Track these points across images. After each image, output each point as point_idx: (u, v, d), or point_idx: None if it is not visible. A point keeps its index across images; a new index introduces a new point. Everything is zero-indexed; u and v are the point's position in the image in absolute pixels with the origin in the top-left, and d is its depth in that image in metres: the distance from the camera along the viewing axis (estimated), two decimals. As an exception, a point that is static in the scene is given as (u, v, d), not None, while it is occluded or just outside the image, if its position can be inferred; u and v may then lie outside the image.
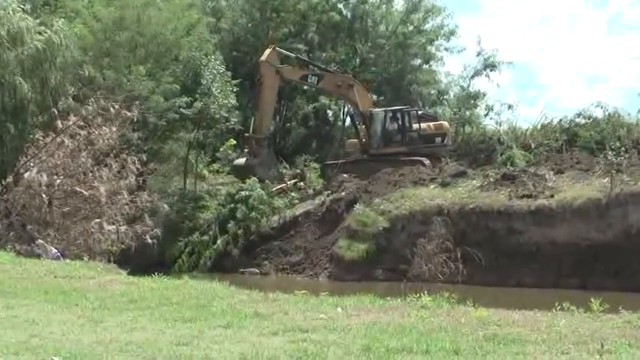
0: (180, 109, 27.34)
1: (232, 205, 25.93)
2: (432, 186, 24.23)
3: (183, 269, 23.97)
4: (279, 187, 28.26)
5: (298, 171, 32.66)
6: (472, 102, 40.84)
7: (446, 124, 32.88)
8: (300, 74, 31.02)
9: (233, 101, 29.84)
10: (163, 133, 28.56)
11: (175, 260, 24.58)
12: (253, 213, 25.43)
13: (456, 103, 42.69)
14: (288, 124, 42.78)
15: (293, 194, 27.60)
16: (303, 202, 27.13)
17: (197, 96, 28.47)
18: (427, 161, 28.50)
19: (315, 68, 32.46)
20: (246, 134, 29.22)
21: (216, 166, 34.51)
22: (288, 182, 30.55)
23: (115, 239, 20.18)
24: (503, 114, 36.64)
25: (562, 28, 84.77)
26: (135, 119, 22.44)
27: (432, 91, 45.60)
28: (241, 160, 28.96)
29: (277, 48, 30.26)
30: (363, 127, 31.51)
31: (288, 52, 31.63)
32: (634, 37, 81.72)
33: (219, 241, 25.00)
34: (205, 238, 25.27)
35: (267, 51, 29.33)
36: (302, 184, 30.73)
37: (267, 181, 27.40)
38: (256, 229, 25.30)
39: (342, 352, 6.53)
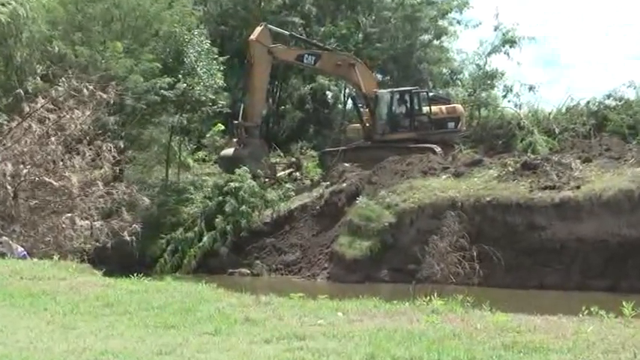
0: (162, 91, 27.26)
1: (220, 198, 25.95)
2: (443, 176, 24.24)
3: (165, 269, 24.00)
4: (273, 177, 28.34)
5: (294, 159, 32.72)
6: (489, 82, 40.86)
7: (459, 107, 32.93)
8: (295, 54, 30.91)
9: (220, 81, 29.80)
10: (143, 117, 28.50)
11: (157, 259, 24.59)
12: (244, 207, 25.44)
13: (470, 83, 42.73)
14: (282, 107, 42.75)
15: (288, 186, 27.61)
16: (299, 194, 27.16)
17: (180, 76, 28.37)
18: (438, 148, 28.56)
19: (313, 47, 32.39)
20: (235, 121, 29.11)
21: (201, 154, 34.53)
22: (283, 172, 30.59)
23: (89, 236, 20.15)
24: (523, 95, 36.91)
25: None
26: (111, 102, 22.36)
27: (444, 71, 45.58)
28: (229, 151, 28.92)
29: (269, 25, 30.15)
30: (367, 110, 31.52)
31: (281, 30, 31.54)
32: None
33: (205, 239, 25.01)
34: (190, 234, 25.27)
35: (258, 29, 29.17)
36: (298, 174, 30.80)
37: (259, 171, 27.41)
38: (247, 224, 25.32)
39: (343, 362, 6.53)
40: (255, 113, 29.05)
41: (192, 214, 26.34)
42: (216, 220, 25.34)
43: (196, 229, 25.43)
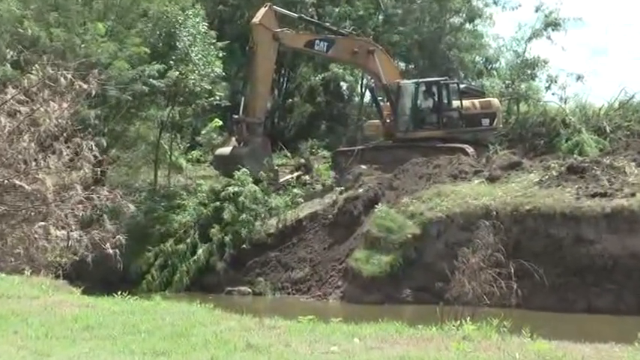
0: (150, 80, 27.32)
1: (217, 205, 25.97)
2: (476, 181, 24.21)
3: (153, 287, 24.06)
4: (275, 181, 28.35)
5: (302, 161, 32.74)
6: (529, 72, 40.80)
7: (495, 101, 32.91)
8: (304, 40, 30.86)
9: (218, 70, 29.88)
10: (128, 110, 28.56)
11: (143, 276, 24.64)
12: (244, 215, 25.48)
13: (508, 73, 42.70)
14: (290, 100, 42.88)
15: (295, 191, 27.65)
16: (308, 201, 27.20)
17: (172, 63, 28.46)
18: (470, 149, 28.56)
19: (325, 31, 32.39)
20: (236, 116, 29.17)
21: (196, 153, 34.62)
22: (290, 175, 30.60)
23: (66, 248, 20.14)
24: (569, 87, 36.76)
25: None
26: (92, 92, 22.36)
27: (478, 58, 45.60)
28: (226, 149, 28.94)
29: (274, 6, 30.12)
30: (388, 104, 31.51)
31: (288, 12, 31.54)
32: None
33: (199, 252, 25.06)
34: (182, 247, 25.32)
35: (262, 10, 29.13)
36: (307, 177, 30.79)
37: (261, 173, 27.42)
38: (248, 235, 25.37)
39: (360, 396, 6.52)
40: (258, 108, 29.03)
41: (185, 223, 26.37)
42: (213, 230, 25.38)
43: (189, 240, 25.48)
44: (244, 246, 25.18)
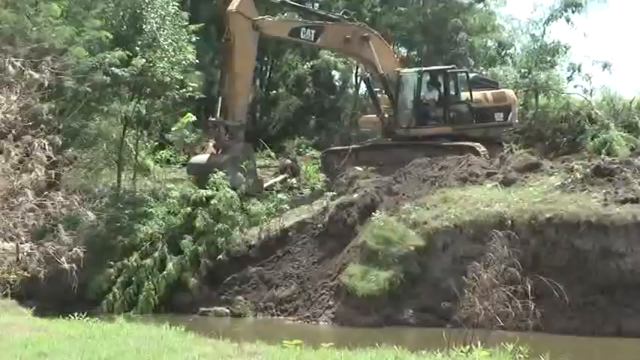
0: (113, 69, 27.27)
1: (189, 211, 25.88)
2: (489, 185, 24.22)
3: (116, 307, 23.90)
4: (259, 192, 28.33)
5: (288, 162, 32.73)
6: (549, 59, 40.88)
7: (510, 92, 32.94)
8: (288, 28, 30.66)
9: (191, 57, 29.81)
10: (87, 104, 28.46)
11: (104, 294, 24.52)
12: (220, 224, 25.41)
13: (524, 60, 42.75)
14: (274, 92, 42.94)
15: (280, 196, 27.58)
16: (295, 208, 27.15)
17: (137, 49, 28.41)
18: (482, 148, 28.57)
19: (312, 16, 32.32)
20: (212, 118, 29.20)
21: (165, 153, 34.55)
22: (274, 179, 30.58)
23: (15, 263, 20.11)
24: (595, 77, 36.78)
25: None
26: (45, 83, 22.33)
27: (490, 43, 45.71)
28: (202, 157, 28.88)
29: None
30: (386, 96, 31.52)
31: None
32: None
33: (169, 266, 24.93)
34: (149, 261, 25.19)
35: None
36: (294, 180, 30.80)
37: (242, 185, 27.35)
38: (225, 247, 25.28)
39: None
40: (237, 109, 28.90)
41: (153, 233, 26.22)
42: (184, 241, 25.27)
43: (157, 253, 25.32)
44: (220, 257, 25.02)
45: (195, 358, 9.42)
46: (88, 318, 12.89)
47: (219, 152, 28.31)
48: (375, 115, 32.24)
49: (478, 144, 28.81)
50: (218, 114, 28.74)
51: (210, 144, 29.25)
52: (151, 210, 27.31)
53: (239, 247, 25.37)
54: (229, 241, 25.38)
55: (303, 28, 30.49)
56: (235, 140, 28.51)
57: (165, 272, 24.82)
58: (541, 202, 22.38)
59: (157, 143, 34.70)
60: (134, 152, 31.29)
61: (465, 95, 30.89)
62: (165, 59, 28.76)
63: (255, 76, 36.63)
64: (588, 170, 23.24)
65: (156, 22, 29.06)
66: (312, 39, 30.66)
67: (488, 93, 31.65)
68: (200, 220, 25.37)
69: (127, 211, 27.52)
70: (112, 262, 25.28)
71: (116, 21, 29.03)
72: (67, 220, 22.40)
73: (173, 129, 33.50)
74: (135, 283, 24.85)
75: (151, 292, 24.60)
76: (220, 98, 29.25)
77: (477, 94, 31.05)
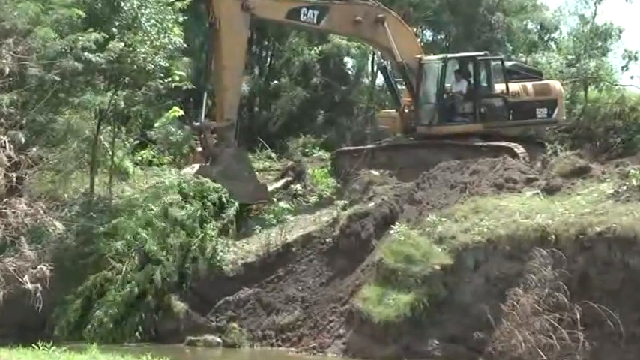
0: (86, 54, 27.21)
1: (172, 222, 25.84)
2: (528, 193, 24.12)
3: (87, 334, 23.85)
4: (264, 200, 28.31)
5: (292, 164, 32.67)
6: (600, 44, 40.78)
7: (555, 84, 32.93)
8: (285, 8, 30.34)
9: (178, 40, 29.73)
10: (55, 95, 28.43)
11: (74, 319, 24.48)
12: (210, 236, 25.33)
13: (571, 46, 42.66)
14: (275, 82, 42.87)
15: (282, 205, 27.55)
16: (300, 218, 27.12)
17: (115, 31, 28.37)
18: (521, 149, 28.51)
19: None
20: (197, 123, 29.21)
21: (147, 154, 34.49)
22: (274, 185, 30.52)
23: (-31, 282, 20.11)
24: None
25: None
26: (5, 70, 22.33)
27: (530, 25, 45.69)
28: (191, 170, 28.87)
29: None
30: (406, 88, 31.47)
31: None
32: None
33: (138, 285, 24.83)
34: (115, 277, 25.12)
35: None
36: (298, 187, 30.72)
37: (244, 195, 27.35)
38: (216, 265, 25.23)
39: None
40: (226, 106, 28.91)
41: (131, 248, 26.17)
42: (167, 257, 25.16)
43: (136, 271, 25.28)
44: (209, 278, 25.00)
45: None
46: (54, 347, 12.85)
47: (209, 162, 28.28)
48: (394, 110, 32.20)
49: (516, 144, 28.77)
50: (202, 117, 28.69)
51: (199, 151, 29.27)
52: (128, 221, 27.18)
53: (233, 265, 25.34)
54: (219, 259, 25.31)
55: (304, 9, 30.21)
56: (225, 145, 28.45)
57: (145, 293, 24.79)
58: (590, 213, 22.18)
59: (137, 142, 34.67)
60: (110, 152, 31.24)
61: (500, 87, 30.83)
62: (148, 43, 28.65)
63: (253, 63, 36.54)
64: (646, 176, 23.17)
65: (136, 0, 29.01)
66: (315, 21, 30.43)
67: (529, 84, 31.62)
68: (173, 238, 25.28)
69: (101, 222, 27.45)
70: (82, 282, 25.24)
71: (89, -1, 28.99)
72: (30, 231, 22.39)
73: (156, 125, 33.54)
74: (109, 306, 24.77)
75: (130, 317, 24.54)
76: (205, 95, 29.09)
77: (514, 86, 31.03)
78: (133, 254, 25.72)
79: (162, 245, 25.42)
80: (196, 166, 28.57)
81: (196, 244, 25.28)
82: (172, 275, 24.97)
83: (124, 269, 25.38)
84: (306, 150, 35.13)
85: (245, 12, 28.53)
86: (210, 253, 25.34)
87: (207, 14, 29.33)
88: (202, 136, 28.68)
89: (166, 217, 25.96)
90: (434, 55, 32.84)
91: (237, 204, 26.71)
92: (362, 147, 31.47)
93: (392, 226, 24.15)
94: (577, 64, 39.92)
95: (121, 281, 25.02)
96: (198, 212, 25.95)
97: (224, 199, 26.67)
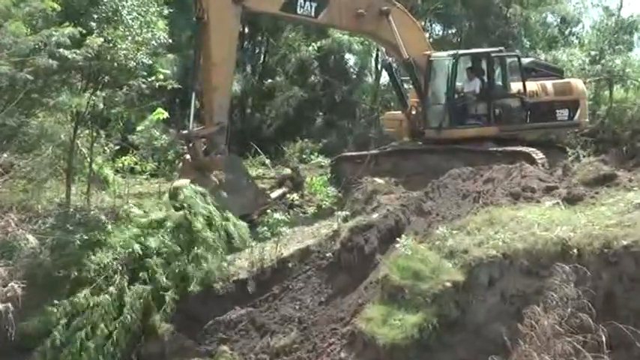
0: (61, 51, 27.21)
1: (153, 238, 25.84)
2: (548, 202, 24.06)
3: (65, 357, 23.86)
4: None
5: (288, 171, 32.67)
6: (626, 39, 40.80)
7: (577, 83, 32.98)
8: (280, 0, 30.35)
9: (163, 35, 29.69)
10: (28, 96, 28.47)
11: (48, 342, 24.45)
12: (199, 251, 25.34)
13: (595, 41, 42.70)
14: (270, 81, 42.91)
15: (277, 216, 27.47)
16: (297, 231, 27.13)
17: (93, 25, 28.35)
18: (540, 154, 28.52)
19: None
20: (184, 131, 29.26)
21: (129, 160, 34.46)
22: (272, 195, 30.54)
23: None
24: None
25: None
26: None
27: (550, 18, 45.81)
28: (182, 183, 28.60)
29: None
30: (413, 87, 31.50)
31: None
32: None
33: (127, 307, 24.82)
34: (104, 299, 25.10)
35: None
36: (295, 196, 30.75)
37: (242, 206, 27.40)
38: (205, 282, 25.23)
39: None
40: (216, 109, 28.82)
41: (110, 263, 26.15)
42: (150, 273, 25.15)
43: (115, 289, 25.26)
44: (197, 296, 24.98)
45: None
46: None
47: (202, 172, 28.27)
48: (400, 112, 32.25)
49: (534, 149, 28.79)
50: (191, 122, 28.70)
51: (187, 157, 29.26)
52: (108, 236, 27.13)
53: (224, 283, 25.34)
54: (209, 275, 25.30)
55: (301, 1, 30.17)
56: (216, 152, 28.44)
57: (124, 313, 24.73)
58: (616, 225, 22.15)
59: (117, 147, 34.59)
60: (88, 159, 31.20)
61: (516, 86, 30.88)
62: (129, 38, 28.54)
63: (245, 60, 36.53)
64: (678, 184, 23.22)
65: (117, -9, 29.05)
66: (313, 14, 30.44)
67: (548, 83, 31.70)
68: (156, 241, 25.27)
69: (78, 235, 27.40)
70: (58, 301, 25.18)
71: (66, -13, 28.99)
72: (0, 246, 22.39)
73: (139, 129, 33.52)
74: (88, 327, 24.76)
75: (109, 338, 24.52)
76: (194, 96, 29.05)
77: (532, 85, 31.12)
78: (118, 268, 25.77)
79: (155, 261, 25.55)
80: (187, 180, 28.50)
81: (195, 258, 25.33)
82: (159, 291, 25.04)
83: (108, 287, 25.49)
84: (304, 156, 35.18)
85: (236, 4, 28.55)
86: (206, 270, 25.37)
87: (194, 7, 29.33)
88: (191, 144, 28.69)
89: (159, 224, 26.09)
90: (444, 51, 32.83)
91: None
92: (365, 152, 31.54)
93: (398, 239, 24.04)
94: (601, 61, 39.97)
95: (105, 300, 25.10)
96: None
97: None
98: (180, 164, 31.17)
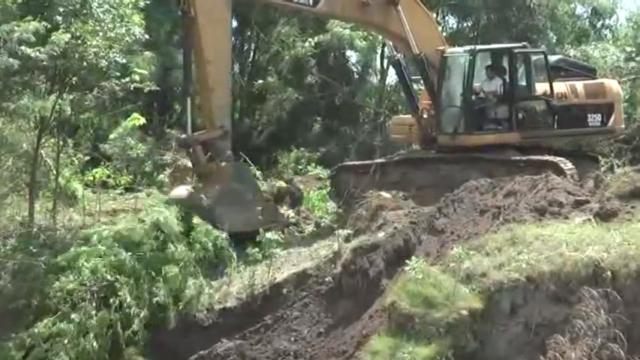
0: (23, 49, 27.28)
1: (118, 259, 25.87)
2: (578, 219, 24.07)
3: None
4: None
5: (282, 184, 32.67)
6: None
7: (612, 83, 32.96)
8: None
9: (138, 30, 29.75)
10: (-16, 100, 28.61)
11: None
12: (172, 273, 25.36)
13: (631, 35, 42.78)
14: (261, 82, 42.97)
15: (270, 235, 27.46)
16: (292, 252, 27.13)
17: (59, 19, 28.40)
18: (568, 164, 28.51)
19: None
20: (183, 135, 29.42)
21: (101, 172, 34.49)
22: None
23: None
24: None
25: None
26: None
27: (580, 10, 45.92)
28: (180, 192, 29.07)
29: None
30: (424, 88, 31.53)
31: None
32: None
33: (94, 335, 24.83)
34: (70, 327, 25.12)
35: None
36: (291, 212, 30.77)
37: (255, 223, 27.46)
38: (184, 310, 25.24)
39: None
40: (215, 111, 28.98)
41: (77, 289, 26.17)
42: (123, 299, 25.16)
43: (82, 319, 25.26)
44: (177, 325, 25.02)
45: None
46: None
47: (202, 183, 28.32)
48: (409, 116, 32.27)
49: (562, 159, 28.74)
50: (189, 128, 28.70)
51: (183, 162, 29.28)
52: (76, 259, 27.14)
53: (208, 311, 25.33)
54: (188, 304, 25.27)
55: None
56: (221, 159, 28.46)
57: (87, 341, 24.70)
58: (654, 245, 22.30)
59: (87, 158, 34.66)
60: (54, 171, 31.24)
61: (542, 87, 30.88)
62: (101, 34, 28.68)
63: (233, 59, 36.58)
64: None
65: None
66: (310, 2, 30.57)
67: (579, 84, 31.68)
68: (123, 288, 25.24)
69: (42, 258, 27.45)
70: (18, 333, 25.21)
71: (28, -23, 29.07)
72: (-47, 270, 22.45)
73: (112, 136, 33.54)
74: (52, 360, 24.81)
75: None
76: (189, 101, 29.05)
77: (560, 86, 31.08)
78: (90, 293, 25.76)
79: (129, 288, 25.53)
80: (186, 188, 28.52)
81: (170, 284, 25.32)
82: (130, 318, 25.01)
83: (75, 316, 25.50)
84: (300, 166, 35.22)
85: None
86: (184, 297, 25.35)
87: (177, 0, 29.42)
88: (192, 150, 28.79)
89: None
90: (460, 46, 32.87)
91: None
92: (369, 162, 31.52)
93: (407, 261, 23.98)
94: (638, 58, 40.01)
95: (67, 329, 25.10)
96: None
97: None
98: (171, 171, 31.25)
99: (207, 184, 28.16)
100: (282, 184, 32.79)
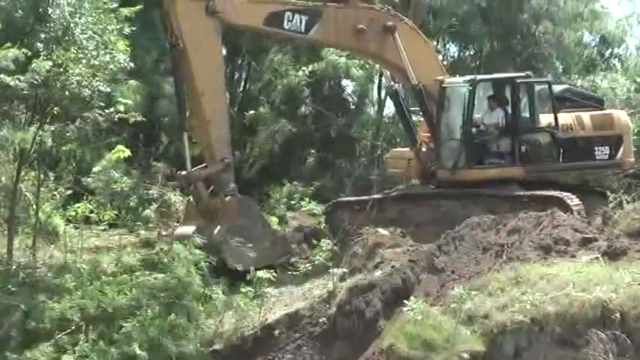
0: (2, 77, 27.27)
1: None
2: (585, 257, 24.08)
3: None
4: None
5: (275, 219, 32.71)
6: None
7: (621, 115, 32.97)
8: (264, 12, 30.23)
9: (123, 58, 29.75)
10: (-40, 130, 28.58)
11: None
12: (180, 320, 25.31)
13: (641, 65, 42.92)
14: (252, 112, 42.98)
15: (261, 274, 27.36)
16: (284, 292, 27.08)
17: (40, 45, 28.41)
18: (575, 200, 28.53)
19: None
20: (183, 172, 29.38)
21: (83, 207, 34.43)
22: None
23: None
24: None
25: None
26: None
27: (588, 37, 45.93)
28: (186, 230, 28.84)
29: None
30: (424, 120, 31.54)
31: None
32: None
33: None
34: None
35: None
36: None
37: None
38: (179, 352, 25.20)
39: None
40: (215, 144, 28.99)
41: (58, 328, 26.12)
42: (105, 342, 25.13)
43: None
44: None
45: None
46: None
47: (204, 220, 28.29)
48: (407, 149, 32.27)
49: (568, 194, 28.75)
50: (188, 164, 28.72)
51: (191, 201, 29.26)
52: (61, 298, 27.11)
53: (195, 353, 25.25)
54: (179, 346, 25.16)
55: (288, 13, 30.13)
56: (225, 193, 28.47)
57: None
58: (667, 286, 22.27)
59: (69, 192, 34.61)
60: (34, 206, 31.19)
61: (546, 119, 30.88)
62: (84, 61, 28.67)
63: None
64: None
65: (69, 5, 29.02)
66: (303, 30, 30.36)
67: (586, 115, 31.69)
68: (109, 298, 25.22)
69: (22, 296, 27.39)
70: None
71: (9, 3, 29.01)
72: None
73: (95, 170, 33.48)
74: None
75: None
76: (185, 136, 29.05)
77: (566, 117, 31.09)
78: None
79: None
80: (192, 226, 28.41)
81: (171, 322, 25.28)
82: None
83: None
84: (292, 201, 35.12)
85: (211, 17, 28.42)
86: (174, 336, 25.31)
87: (165, 31, 29.39)
88: (193, 187, 28.77)
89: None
90: (460, 76, 32.90)
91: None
92: (366, 197, 31.50)
93: (405, 301, 24.01)
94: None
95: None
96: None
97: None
98: (184, 208, 31.18)
99: (213, 221, 28.07)
100: (273, 217, 32.82)
